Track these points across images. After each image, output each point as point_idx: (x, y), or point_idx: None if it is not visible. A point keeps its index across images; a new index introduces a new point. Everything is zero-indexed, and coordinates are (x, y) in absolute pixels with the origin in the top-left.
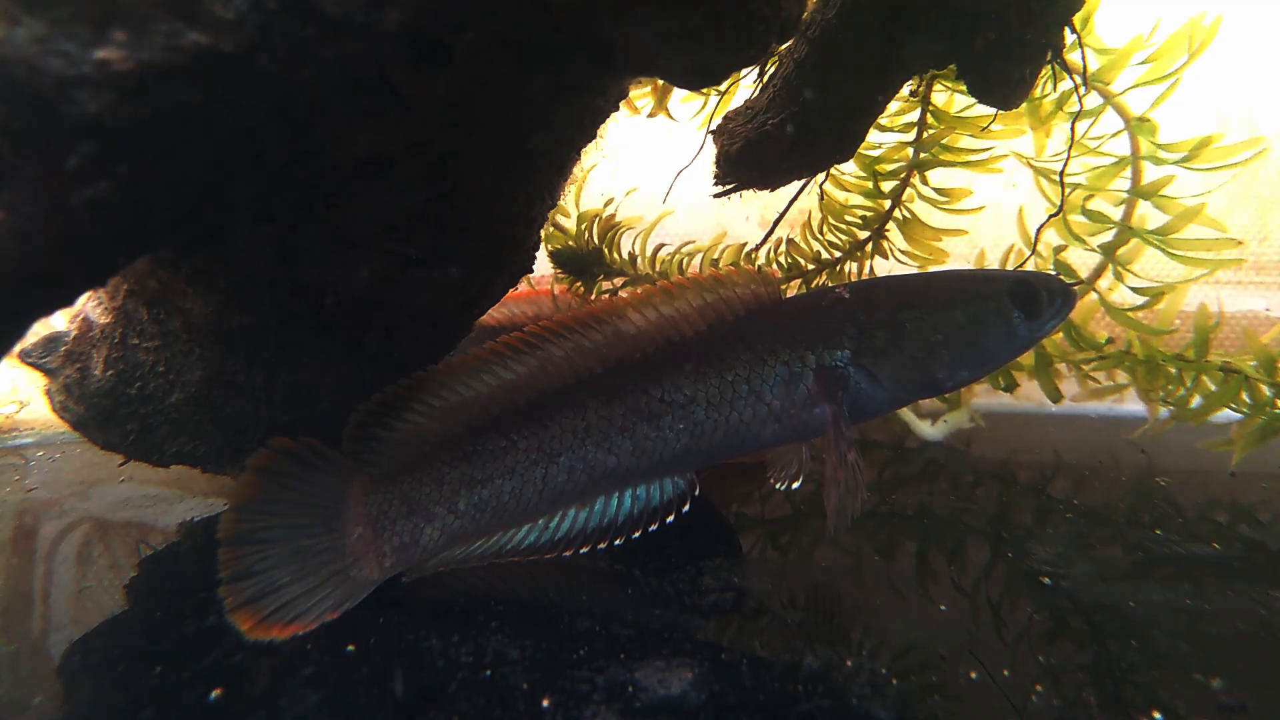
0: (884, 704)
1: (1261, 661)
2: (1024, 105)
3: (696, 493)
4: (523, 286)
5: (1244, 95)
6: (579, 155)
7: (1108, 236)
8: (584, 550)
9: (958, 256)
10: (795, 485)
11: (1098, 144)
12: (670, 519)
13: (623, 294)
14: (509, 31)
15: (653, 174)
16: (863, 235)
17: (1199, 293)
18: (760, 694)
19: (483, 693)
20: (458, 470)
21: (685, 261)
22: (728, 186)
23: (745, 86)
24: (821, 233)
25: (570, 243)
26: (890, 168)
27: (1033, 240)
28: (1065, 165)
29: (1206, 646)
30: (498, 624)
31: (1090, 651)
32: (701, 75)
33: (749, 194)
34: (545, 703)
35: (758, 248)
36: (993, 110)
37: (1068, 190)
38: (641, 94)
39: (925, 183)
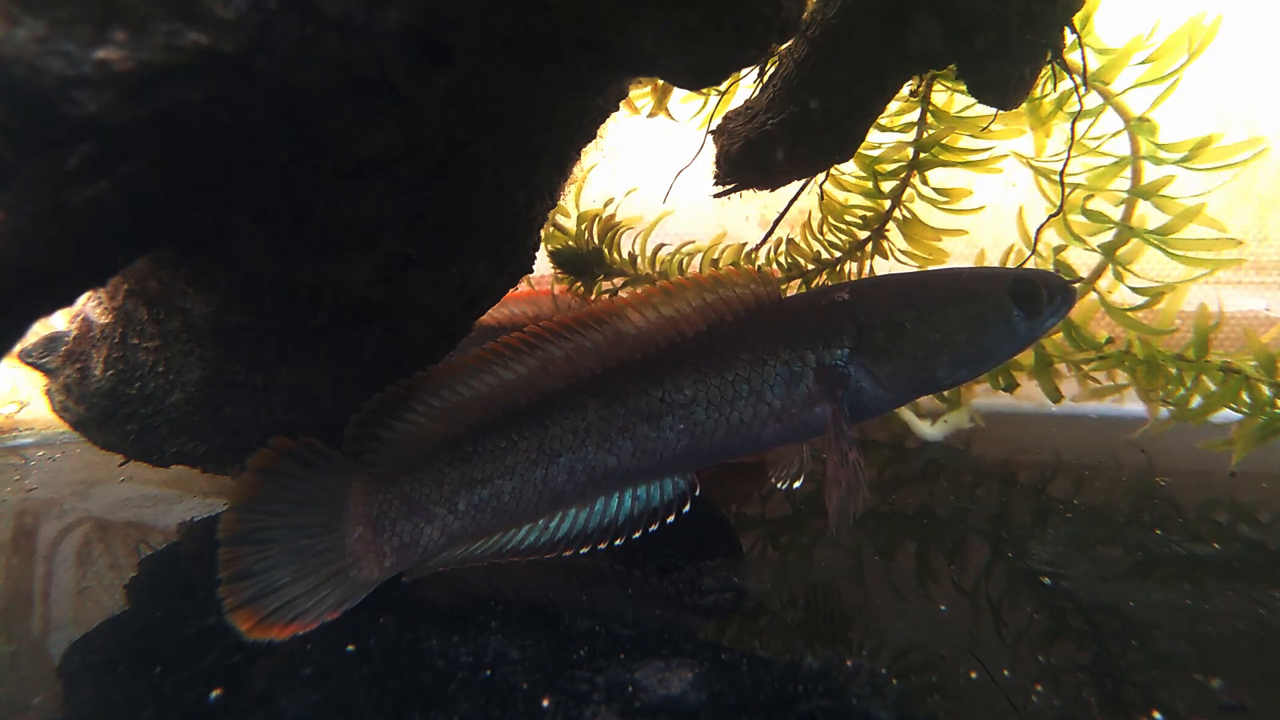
0: (884, 704)
1: (1261, 661)
2: (1024, 105)
3: (697, 493)
4: (523, 286)
5: (1244, 95)
6: (579, 155)
7: (1108, 236)
8: (584, 550)
9: (958, 256)
10: (796, 485)
11: (1098, 144)
12: (671, 519)
13: (623, 294)
14: (509, 31)
15: (653, 174)
16: (863, 235)
17: (1199, 293)
18: (760, 694)
19: (483, 693)
20: (458, 470)
21: (685, 261)
22: (728, 186)
23: (745, 86)
24: (821, 233)
25: (570, 243)
26: (890, 168)
27: (1033, 240)
28: (1065, 165)
29: (1206, 646)
30: (498, 624)
31: (1090, 651)
32: (701, 75)
33: (749, 194)
34: (545, 703)
35: (758, 248)
36: (993, 110)
37: (1068, 190)
38: (641, 94)
39: (925, 183)
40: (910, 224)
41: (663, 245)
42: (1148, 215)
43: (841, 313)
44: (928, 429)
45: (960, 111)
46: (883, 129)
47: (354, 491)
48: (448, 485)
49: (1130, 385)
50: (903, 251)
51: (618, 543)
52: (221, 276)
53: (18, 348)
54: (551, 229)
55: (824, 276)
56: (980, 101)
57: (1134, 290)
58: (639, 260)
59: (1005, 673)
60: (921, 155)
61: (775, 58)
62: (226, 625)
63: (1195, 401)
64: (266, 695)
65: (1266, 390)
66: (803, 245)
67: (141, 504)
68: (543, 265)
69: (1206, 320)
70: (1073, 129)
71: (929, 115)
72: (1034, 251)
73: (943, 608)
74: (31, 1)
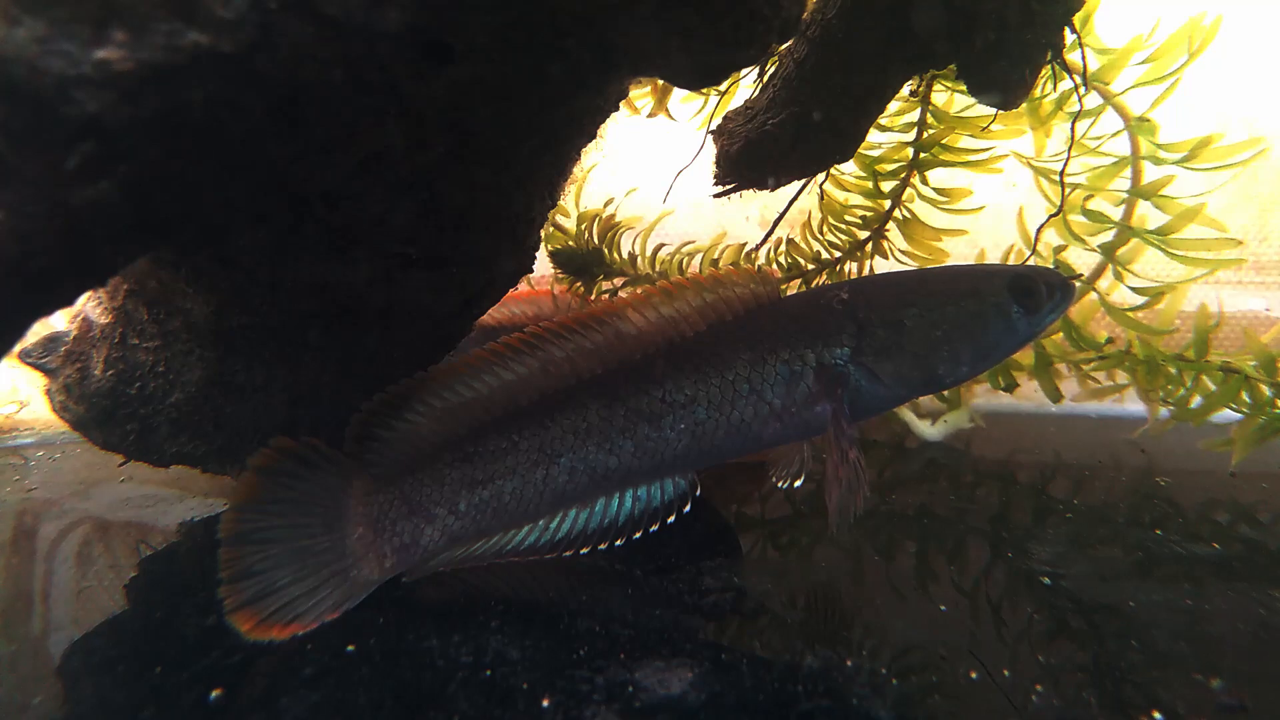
0: (884, 704)
1: (1261, 661)
2: (1024, 105)
3: (698, 493)
4: (523, 286)
5: (1244, 95)
6: (579, 155)
7: (1108, 236)
8: (584, 551)
9: (958, 256)
10: (797, 484)
11: (1098, 144)
12: (671, 519)
13: (623, 294)
14: (509, 31)
15: (653, 174)
16: (863, 235)
17: (1199, 293)
18: (760, 694)
19: (483, 693)
20: (458, 471)
21: (685, 261)
22: (728, 186)
23: (745, 86)
24: (821, 233)
25: (570, 243)
26: (890, 168)
27: (1033, 240)
28: (1065, 165)
29: (1206, 646)
30: (498, 624)
31: (1090, 651)
32: (701, 75)
33: (749, 194)
34: (545, 703)
35: (758, 248)
36: (993, 110)
37: (1068, 190)
38: (641, 94)
39: (925, 183)
40: (910, 224)
41: (663, 245)
42: (1148, 215)
43: (841, 311)
44: (928, 429)
45: (960, 111)
46: (883, 129)
47: (354, 492)
48: (448, 486)
49: (1130, 385)
50: (903, 251)
51: (618, 543)
52: (221, 276)
53: (18, 348)
54: (551, 229)
55: (824, 276)
56: (980, 101)
57: (1134, 290)
58: (639, 260)
59: (1005, 673)
60: (921, 155)
61: (775, 58)
62: (226, 625)
63: (1195, 401)
64: (266, 695)
65: (1266, 390)
66: (803, 245)
67: (141, 504)
68: (543, 265)
69: (1206, 320)
70: (1073, 129)
71: (929, 115)
72: (1034, 251)
73: (942, 608)
74: (31, 1)
